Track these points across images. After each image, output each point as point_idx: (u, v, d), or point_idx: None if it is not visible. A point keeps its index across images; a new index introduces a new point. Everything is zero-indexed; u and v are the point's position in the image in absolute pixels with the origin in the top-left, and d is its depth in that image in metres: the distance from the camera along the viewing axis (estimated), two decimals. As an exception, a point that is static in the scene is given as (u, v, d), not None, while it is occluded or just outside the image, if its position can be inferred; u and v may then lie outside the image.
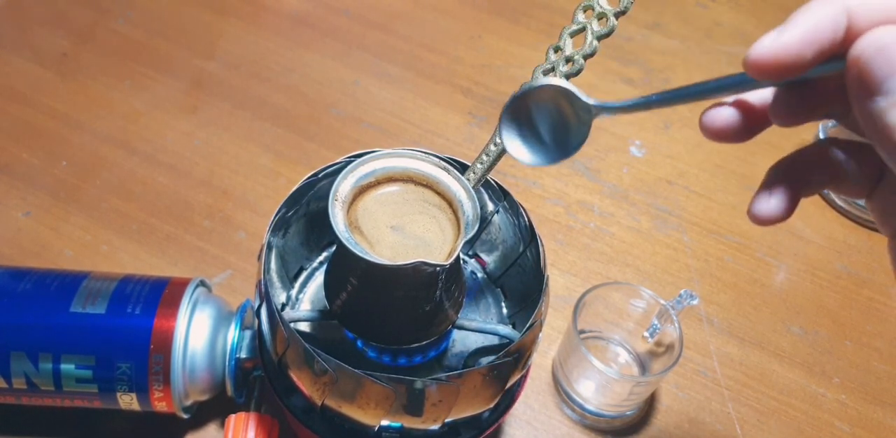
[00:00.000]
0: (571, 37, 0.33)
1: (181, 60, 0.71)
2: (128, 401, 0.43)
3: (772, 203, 0.27)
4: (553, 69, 0.33)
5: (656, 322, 0.49)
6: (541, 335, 0.40)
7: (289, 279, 0.46)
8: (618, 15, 0.31)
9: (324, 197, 0.42)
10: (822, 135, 0.64)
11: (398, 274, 0.34)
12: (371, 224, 0.35)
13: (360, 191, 0.36)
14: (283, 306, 0.46)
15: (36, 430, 0.48)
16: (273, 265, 0.43)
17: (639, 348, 0.53)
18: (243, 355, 0.44)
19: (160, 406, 0.43)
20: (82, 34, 0.73)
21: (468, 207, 0.35)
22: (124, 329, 0.42)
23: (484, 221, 0.46)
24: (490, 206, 0.45)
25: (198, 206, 0.60)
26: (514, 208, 0.43)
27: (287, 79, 0.70)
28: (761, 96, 0.27)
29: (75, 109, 0.66)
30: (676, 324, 0.47)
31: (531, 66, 0.34)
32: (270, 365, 0.41)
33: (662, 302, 0.48)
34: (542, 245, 0.40)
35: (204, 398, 0.45)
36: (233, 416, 0.44)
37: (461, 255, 0.46)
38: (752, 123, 0.27)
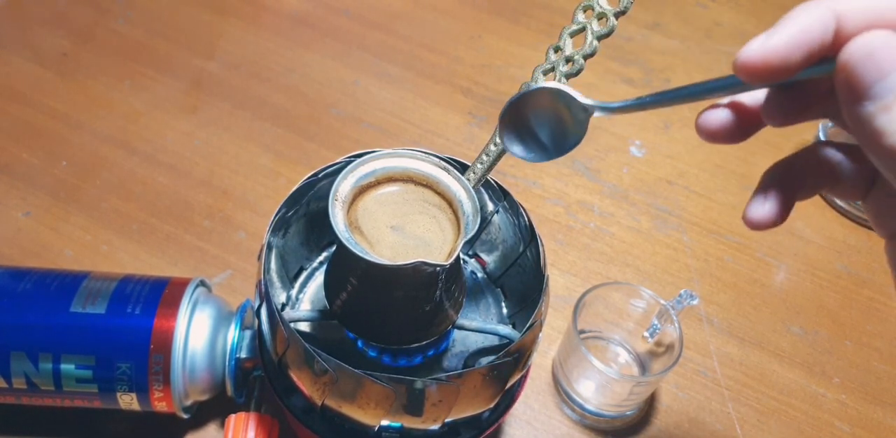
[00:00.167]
0: (571, 37, 0.33)
1: (181, 60, 0.71)
2: (128, 401, 0.43)
3: (766, 208, 0.27)
4: (553, 69, 0.33)
5: (656, 322, 0.49)
6: (541, 335, 0.40)
7: (289, 279, 0.46)
8: (618, 15, 0.31)
9: (324, 197, 0.42)
10: (821, 135, 0.64)
11: (398, 274, 0.34)
12: (371, 224, 0.35)
13: (360, 191, 0.36)
14: (283, 306, 0.46)
15: (36, 430, 0.48)
16: (273, 265, 0.43)
17: (639, 348, 0.53)
18: (243, 355, 0.44)
19: (160, 406, 0.43)
20: (82, 34, 0.73)
21: (468, 207, 0.35)
22: (124, 329, 0.42)
23: (484, 221, 0.46)
24: (490, 206, 0.45)
25: (198, 206, 0.60)
26: (514, 208, 0.43)
27: (287, 79, 0.70)
28: (754, 97, 0.27)
29: (75, 109, 0.66)
30: (676, 324, 0.47)
31: (531, 65, 0.34)
32: (270, 364, 0.41)
33: (662, 302, 0.48)
34: (542, 245, 0.40)
35: (204, 398, 0.45)
36: (233, 416, 0.44)
37: (461, 255, 0.46)
38: (746, 124, 0.27)
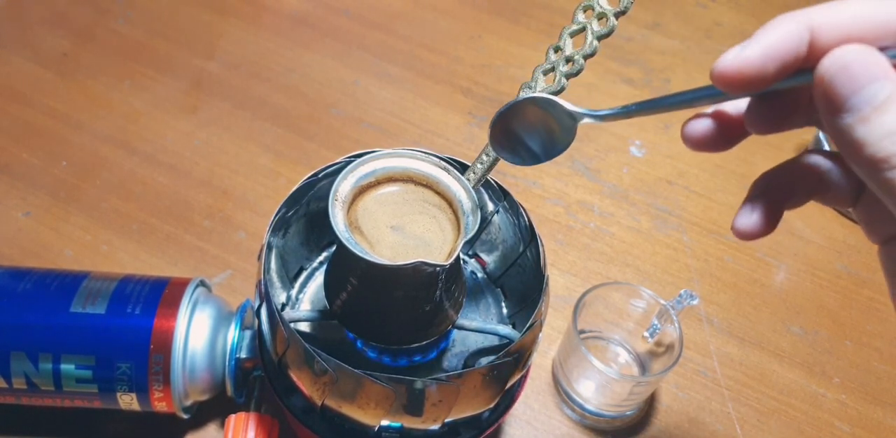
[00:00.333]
0: (571, 37, 0.33)
1: (181, 60, 0.71)
2: (128, 401, 0.43)
3: (754, 218, 0.28)
4: (553, 69, 0.33)
5: (656, 322, 0.49)
6: (541, 335, 0.40)
7: (289, 279, 0.46)
8: (618, 15, 0.31)
9: (324, 197, 0.42)
10: (821, 135, 0.64)
11: (398, 274, 0.34)
12: (371, 224, 0.35)
13: (360, 191, 0.36)
14: (283, 306, 0.46)
15: (36, 430, 0.48)
16: (273, 265, 0.43)
17: (639, 348, 0.53)
18: (243, 355, 0.44)
19: (160, 406, 0.43)
20: (82, 34, 0.73)
21: (468, 207, 0.35)
22: (124, 329, 0.42)
23: (484, 221, 0.46)
24: (490, 206, 0.45)
25: (198, 206, 0.60)
26: (514, 208, 0.43)
27: (287, 79, 0.70)
28: (738, 107, 0.28)
29: (75, 109, 0.66)
30: (676, 324, 0.47)
31: (531, 66, 0.34)
32: (270, 364, 0.41)
33: (662, 302, 0.48)
34: (542, 245, 0.40)
35: (204, 398, 0.45)
36: (233, 416, 0.44)
37: (461, 255, 0.46)
38: (730, 133, 0.28)
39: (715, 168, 0.66)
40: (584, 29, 0.32)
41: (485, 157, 0.36)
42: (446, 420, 0.37)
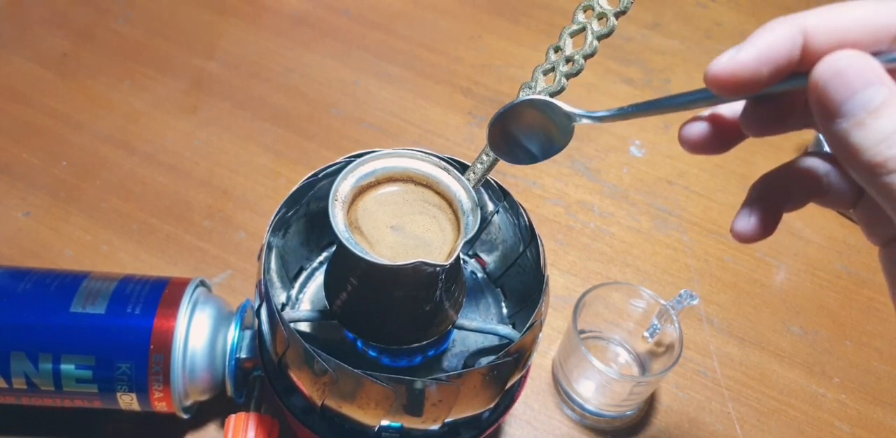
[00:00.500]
0: (571, 37, 0.33)
1: (181, 60, 0.71)
2: (128, 401, 0.43)
3: (752, 221, 0.28)
4: (553, 69, 0.33)
5: (656, 322, 0.49)
6: (541, 335, 0.40)
7: (289, 279, 0.46)
8: (618, 15, 0.31)
9: (324, 197, 0.42)
10: (821, 137, 0.64)
11: (398, 274, 0.34)
12: (371, 224, 0.35)
13: (360, 191, 0.36)
14: (283, 306, 0.46)
15: (36, 430, 0.48)
16: (273, 265, 0.43)
17: (639, 348, 0.53)
18: (243, 355, 0.44)
19: (160, 406, 0.43)
20: (82, 34, 0.73)
21: (468, 207, 0.35)
22: (124, 329, 0.42)
23: (484, 221, 0.46)
24: (490, 206, 0.45)
25: (198, 206, 0.60)
26: (514, 208, 0.43)
27: (287, 79, 0.70)
28: (734, 110, 0.28)
29: (75, 109, 0.66)
30: (676, 324, 0.47)
31: (531, 66, 0.34)
32: (270, 365, 0.41)
33: (662, 302, 0.48)
34: (542, 245, 0.40)
35: (204, 398, 0.45)
36: (233, 416, 0.44)
37: (461, 255, 0.46)
38: (726, 136, 0.28)
39: (715, 168, 0.66)
40: (584, 29, 0.32)
41: (485, 157, 0.36)
42: (446, 420, 0.37)
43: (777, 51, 0.23)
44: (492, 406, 0.38)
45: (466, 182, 0.36)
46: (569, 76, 0.33)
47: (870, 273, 0.60)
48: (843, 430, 0.51)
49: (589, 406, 0.50)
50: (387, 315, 0.38)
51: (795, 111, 0.27)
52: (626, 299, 0.50)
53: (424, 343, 0.39)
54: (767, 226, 0.28)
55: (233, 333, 0.45)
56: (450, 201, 0.36)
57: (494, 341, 0.45)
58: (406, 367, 0.42)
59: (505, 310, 0.47)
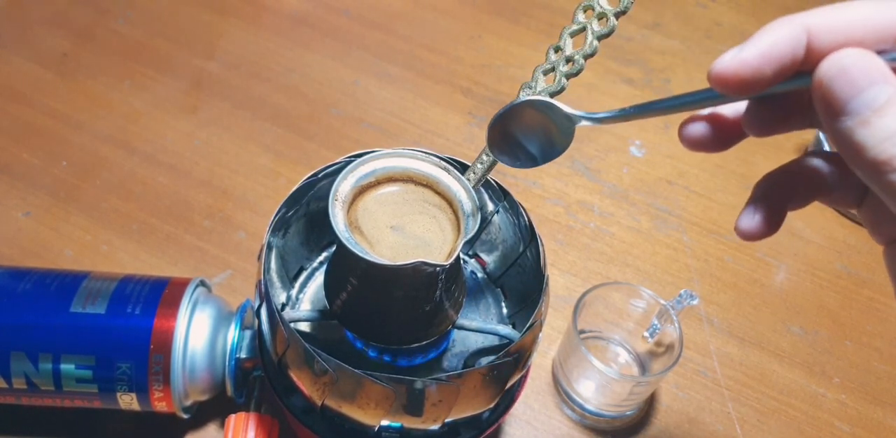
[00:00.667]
0: (571, 37, 0.33)
1: (181, 60, 0.71)
2: (128, 401, 0.43)
3: (756, 219, 0.28)
4: (553, 69, 0.33)
5: (656, 322, 0.49)
6: (541, 335, 0.40)
7: (289, 279, 0.46)
8: (618, 15, 0.31)
9: (324, 197, 0.42)
10: (821, 136, 0.64)
11: (398, 274, 0.34)
12: (371, 224, 0.35)
13: (360, 191, 0.36)
14: (283, 306, 0.46)
15: (36, 430, 0.48)
16: (273, 265, 0.43)
17: (639, 348, 0.53)
18: (243, 355, 0.44)
19: (160, 406, 0.43)
20: (82, 34, 0.73)
21: (468, 207, 0.35)
22: (124, 329, 0.42)
23: (484, 221, 0.46)
24: (490, 206, 0.45)
25: (198, 206, 0.60)
26: (514, 208, 0.43)
27: (287, 79, 0.70)
28: (735, 108, 0.28)
29: (75, 109, 0.66)
30: (676, 324, 0.47)
31: (531, 66, 0.34)
32: (270, 365, 0.41)
33: (662, 302, 0.48)
34: (542, 245, 0.40)
35: (204, 398, 0.45)
36: (233, 416, 0.44)
37: (461, 255, 0.46)
38: (727, 134, 0.28)
39: (715, 168, 0.66)
40: (584, 29, 0.32)
41: (485, 157, 0.36)
42: (446, 420, 0.37)
43: (780, 49, 0.23)
44: (492, 406, 0.38)
45: (466, 182, 0.36)
46: (569, 76, 0.33)
47: (870, 273, 0.60)
48: (843, 430, 0.51)
49: (589, 406, 0.50)
50: (387, 315, 0.38)
51: (798, 111, 0.27)
52: (626, 299, 0.50)
53: (424, 343, 0.39)
54: (771, 224, 0.28)
55: (233, 333, 0.45)
56: (450, 201, 0.36)
57: (494, 341, 0.45)
58: (406, 367, 0.42)
59: (505, 310, 0.47)
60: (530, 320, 0.37)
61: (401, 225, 0.35)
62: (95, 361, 0.41)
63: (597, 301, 0.50)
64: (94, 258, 0.57)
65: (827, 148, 0.62)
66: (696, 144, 0.29)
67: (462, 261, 0.44)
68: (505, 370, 0.37)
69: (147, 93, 0.68)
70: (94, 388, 0.42)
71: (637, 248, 0.61)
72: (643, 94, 0.71)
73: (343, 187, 0.35)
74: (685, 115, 0.29)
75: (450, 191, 0.36)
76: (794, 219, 0.63)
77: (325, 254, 0.48)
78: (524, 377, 0.43)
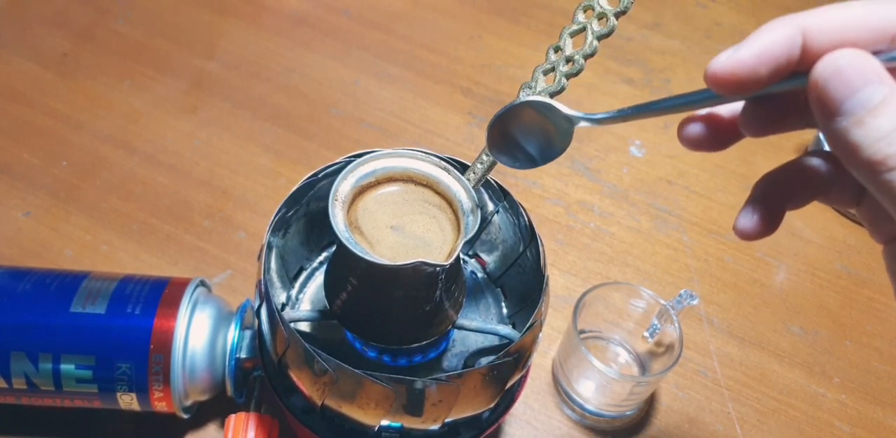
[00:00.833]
0: (571, 37, 0.33)
1: (181, 60, 0.71)
2: (128, 401, 0.43)
3: (755, 219, 0.28)
4: (553, 69, 0.33)
5: (656, 322, 0.49)
6: (541, 335, 0.40)
7: (289, 279, 0.46)
8: (618, 15, 0.31)
9: (324, 197, 0.42)
10: (821, 136, 0.64)
11: (398, 274, 0.34)
12: (371, 224, 0.35)
13: (360, 191, 0.36)
14: (283, 306, 0.46)
15: (36, 430, 0.48)
16: (273, 265, 0.43)
17: (639, 348, 0.53)
18: (243, 355, 0.44)
19: (160, 406, 0.43)
20: (82, 34, 0.73)
21: (468, 207, 0.35)
22: (124, 329, 0.42)
23: (484, 221, 0.46)
24: (490, 206, 0.45)
25: (198, 206, 0.60)
26: (514, 208, 0.43)
27: (287, 79, 0.70)
28: (732, 109, 0.28)
29: (75, 109, 0.66)
30: (676, 324, 0.47)
31: (531, 66, 0.34)
32: (270, 365, 0.41)
33: (662, 302, 0.48)
34: (542, 245, 0.40)
35: (204, 398, 0.45)
36: (233, 416, 0.44)
37: (461, 255, 0.46)
38: (724, 134, 0.28)
39: (715, 168, 0.66)
40: (584, 29, 0.32)
41: (485, 157, 0.36)
42: (446, 420, 0.37)
43: (776, 50, 0.23)
44: (492, 406, 0.38)
45: (466, 182, 0.36)
46: (569, 76, 0.33)
47: (870, 273, 0.60)
48: (843, 430, 0.51)
49: (589, 406, 0.50)
50: (387, 315, 0.38)
51: (794, 111, 0.27)
52: (626, 299, 0.50)
53: (424, 343, 0.39)
54: (770, 224, 0.28)
55: (233, 333, 0.45)
56: (450, 201, 0.36)
57: (494, 341, 0.45)
58: (406, 367, 0.42)
59: (505, 310, 0.47)
60: (530, 320, 0.37)
61: (401, 225, 0.35)
62: (95, 361, 0.41)
63: (597, 301, 0.50)
64: (94, 258, 0.57)
65: (827, 148, 0.62)
66: (694, 144, 0.29)
67: (462, 261, 0.44)
68: (505, 370, 0.37)
69: (147, 93, 0.68)
70: (94, 388, 0.42)
71: (637, 248, 0.61)
72: (643, 94, 0.71)
73: (343, 187, 0.35)
74: (684, 115, 0.29)
75: (450, 191, 0.36)
76: (793, 218, 0.63)
77: (325, 254, 0.48)
78: (524, 377, 0.43)
